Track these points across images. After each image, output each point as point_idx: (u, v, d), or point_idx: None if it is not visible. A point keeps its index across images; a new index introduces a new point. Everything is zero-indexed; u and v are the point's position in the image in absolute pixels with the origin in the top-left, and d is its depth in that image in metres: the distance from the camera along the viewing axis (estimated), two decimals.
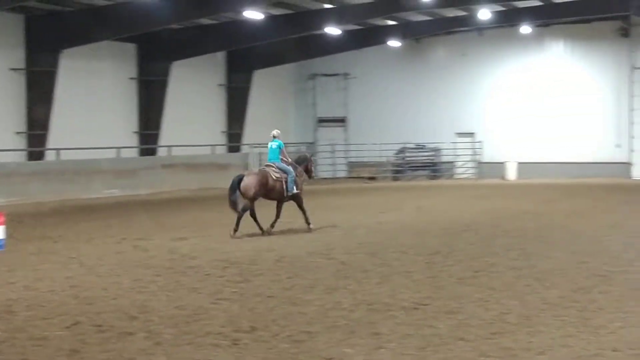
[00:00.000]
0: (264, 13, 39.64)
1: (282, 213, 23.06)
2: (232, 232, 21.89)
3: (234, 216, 22.03)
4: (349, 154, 52.82)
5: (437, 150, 51.19)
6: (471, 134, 50.90)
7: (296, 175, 23.00)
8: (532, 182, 44.36)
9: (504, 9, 44.97)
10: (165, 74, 42.95)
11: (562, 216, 26.59)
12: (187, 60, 44.00)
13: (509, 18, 46.24)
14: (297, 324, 11.63)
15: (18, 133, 36.80)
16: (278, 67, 51.69)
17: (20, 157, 37.08)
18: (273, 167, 22.85)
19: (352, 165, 52.72)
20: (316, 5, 41.62)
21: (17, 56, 36.69)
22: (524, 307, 12.49)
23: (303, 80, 54.94)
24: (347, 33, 47.11)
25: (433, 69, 51.85)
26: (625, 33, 47.84)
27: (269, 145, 23.32)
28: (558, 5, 44.50)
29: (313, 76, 54.59)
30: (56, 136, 37.24)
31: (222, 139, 48.67)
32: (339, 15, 42.00)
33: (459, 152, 50.86)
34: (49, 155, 37.43)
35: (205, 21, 42.22)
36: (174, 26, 41.21)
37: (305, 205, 23.24)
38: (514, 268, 16.09)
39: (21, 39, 36.74)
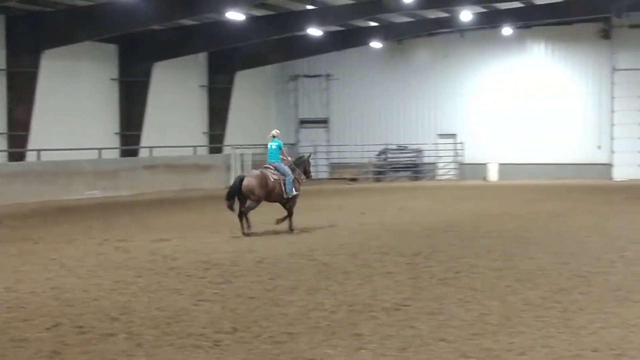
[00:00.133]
0: (245, 14, 39.65)
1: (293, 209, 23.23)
2: (246, 231, 22.14)
3: (215, 217, 21.98)
4: (331, 155, 52.88)
5: (419, 151, 51.31)
6: (453, 135, 51.02)
7: (295, 178, 23.10)
8: (514, 183, 44.47)
9: (485, 10, 45.11)
10: (146, 74, 42.89)
11: (543, 217, 26.66)
12: (169, 61, 43.95)
13: (490, 20, 46.39)
14: (278, 325, 11.61)
15: None
16: (260, 68, 51.76)
17: (0, 158, 36.95)
18: (271, 168, 22.89)
19: (334, 167, 52.80)
20: (298, 7, 41.63)
21: None
22: (505, 308, 12.51)
23: (285, 82, 54.97)
24: (329, 34, 47.16)
25: (415, 71, 51.95)
26: (606, 35, 48.04)
27: (269, 146, 23.38)
28: (539, 7, 44.64)
29: (295, 77, 54.64)
30: (37, 137, 37.14)
31: (203, 140, 48.64)
32: (321, 16, 42.03)
33: (441, 153, 51.01)
34: (30, 156, 37.32)
35: (187, 22, 42.18)
36: (156, 27, 41.14)
37: (294, 209, 23.25)
38: (495, 269, 16.11)
39: (2, 40, 36.66)
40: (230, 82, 49.17)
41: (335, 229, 23.54)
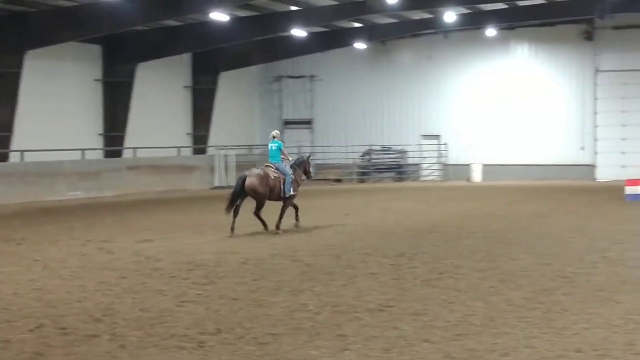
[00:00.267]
0: (229, 15, 39.59)
1: (297, 205, 23.79)
2: (275, 229, 22.75)
3: (199, 218, 21.96)
4: (315, 156, 52.83)
5: (402, 152, 51.34)
6: (437, 136, 51.07)
7: (294, 178, 23.49)
8: (497, 184, 44.56)
9: (469, 11, 45.16)
10: (130, 75, 42.80)
11: (527, 218, 26.72)
12: (153, 62, 43.85)
13: (474, 21, 46.44)
14: (262, 326, 11.61)
15: None
16: (244, 69, 51.71)
17: None
18: (272, 167, 23.31)
19: (318, 167, 52.69)
20: (282, 7, 41.59)
21: None
22: (488, 309, 12.54)
23: (269, 82, 54.94)
24: (313, 35, 47.14)
25: (399, 71, 51.98)
26: (589, 36, 48.15)
27: (269, 147, 23.85)
28: (523, 8, 44.69)
29: (279, 78, 54.62)
30: (20, 138, 36.99)
31: (187, 141, 48.55)
32: (304, 17, 41.97)
33: (425, 154, 51.06)
34: (13, 157, 37.16)
35: (171, 23, 42.08)
36: (140, 28, 41.04)
37: (287, 210, 23.47)
38: (478, 270, 16.15)
39: None
40: (215, 82, 49.11)
41: (319, 230, 23.55)
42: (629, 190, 33.18)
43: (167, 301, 13.46)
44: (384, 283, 14.85)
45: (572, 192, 38.45)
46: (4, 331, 11.49)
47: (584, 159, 48.13)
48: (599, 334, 10.97)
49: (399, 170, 51.57)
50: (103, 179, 39.82)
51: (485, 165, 48.61)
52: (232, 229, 22.30)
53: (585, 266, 16.44)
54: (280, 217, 23.21)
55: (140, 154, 43.01)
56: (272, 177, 22.96)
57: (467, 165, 48.89)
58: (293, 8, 41.72)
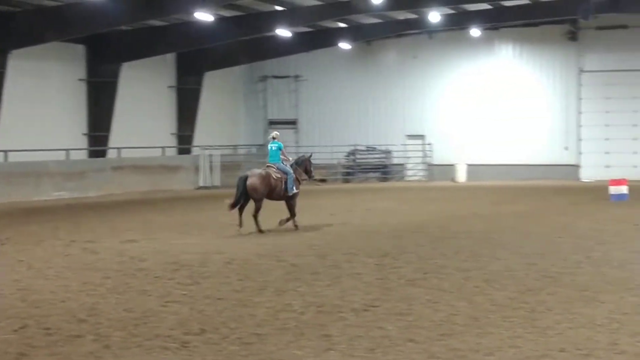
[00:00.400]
0: (214, 15, 39.54)
1: (295, 209, 24.00)
2: (258, 231, 22.78)
3: (183, 218, 21.93)
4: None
5: (387, 152, 51.36)
6: (421, 136, 51.11)
7: (295, 177, 23.87)
8: (482, 184, 44.64)
9: (453, 12, 45.20)
10: (114, 75, 42.68)
11: (511, 218, 26.79)
12: (137, 62, 43.75)
13: (458, 21, 46.47)
14: (246, 326, 11.61)
15: None
16: (228, 69, 51.64)
17: None
18: (273, 167, 23.60)
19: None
20: (267, 7, 41.54)
21: None
22: (473, 309, 12.56)
23: (254, 82, 54.86)
24: (297, 35, 47.12)
25: (384, 72, 52.02)
26: (573, 37, 48.30)
27: (269, 147, 24.25)
28: (507, 8, 44.74)
29: (264, 78, 54.56)
30: (4, 138, 36.82)
31: (172, 141, 48.46)
32: (289, 17, 41.94)
33: (410, 154, 51.11)
34: None
35: (155, 22, 41.99)
36: (124, 27, 40.97)
37: (296, 209, 24.00)
38: (463, 270, 16.17)
39: None
40: (199, 82, 49.05)
41: (304, 230, 23.55)
42: (613, 190, 33.28)
43: (151, 301, 13.44)
44: (368, 283, 14.87)
45: (556, 192, 38.57)
46: None
47: (568, 159, 48.28)
48: (583, 333, 11.00)
49: (384, 170, 51.60)
50: (87, 179, 39.71)
51: (469, 165, 48.69)
52: (240, 223, 22.81)
53: (569, 266, 16.49)
54: (293, 215, 23.83)
55: (125, 154, 42.92)
56: (275, 177, 23.33)
57: (452, 165, 48.95)
58: (278, 8, 41.69)
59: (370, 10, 41.18)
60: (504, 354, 10.11)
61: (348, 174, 51.38)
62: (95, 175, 40.36)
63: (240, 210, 22.92)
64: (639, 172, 45.07)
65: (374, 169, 51.70)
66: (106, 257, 18.54)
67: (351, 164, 51.79)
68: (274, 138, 24.17)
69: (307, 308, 12.72)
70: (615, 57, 47.34)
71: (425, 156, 50.95)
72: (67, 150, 39.79)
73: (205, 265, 17.08)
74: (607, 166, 46.15)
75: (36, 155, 37.86)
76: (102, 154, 42.93)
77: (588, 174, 47.29)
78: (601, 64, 47.66)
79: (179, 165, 46.23)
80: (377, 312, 12.39)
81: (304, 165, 24.72)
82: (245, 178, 23.03)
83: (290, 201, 23.81)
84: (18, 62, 37.40)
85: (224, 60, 49.08)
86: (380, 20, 46.89)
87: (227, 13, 41.71)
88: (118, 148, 42.80)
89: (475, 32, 48.46)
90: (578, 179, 47.48)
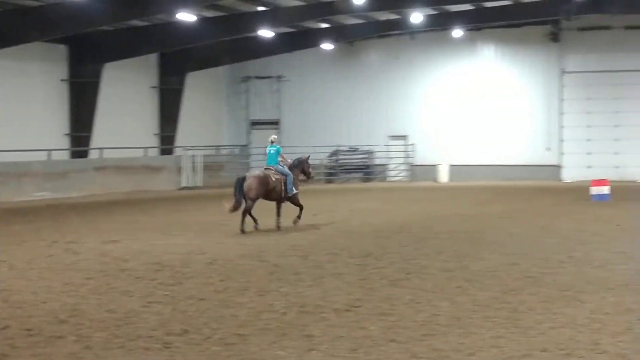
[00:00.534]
0: (196, 15, 39.50)
1: (282, 211, 24.22)
2: (239, 231, 22.82)
3: (166, 219, 21.91)
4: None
5: (370, 152, 51.42)
6: (404, 137, 51.18)
7: (294, 177, 24.31)
8: (464, 185, 44.73)
9: (435, 12, 45.28)
10: (97, 75, 42.56)
11: (493, 218, 26.84)
12: (120, 62, 43.65)
13: (440, 22, 46.56)
14: (229, 326, 11.60)
15: None
16: (211, 70, 51.63)
17: None
18: (272, 169, 23.97)
19: None
20: (249, 8, 41.53)
21: None
22: (455, 309, 12.58)
23: (236, 83, 54.82)
24: (280, 36, 47.10)
25: (366, 72, 52.08)
26: (555, 37, 48.48)
27: (267, 150, 24.54)
28: (489, 9, 44.86)
29: (246, 79, 54.53)
30: None
31: (154, 142, 48.37)
32: (272, 17, 41.93)
33: (392, 154, 51.16)
34: None
35: (137, 23, 41.90)
36: (106, 28, 40.87)
37: (301, 202, 24.59)
38: (445, 270, 16.20)
39: None
40: (181, 83, 48.98)
41: (287, 230, 23.55)
42: (595, 190, 33.44)
43: (133, 302, 13.41)
44: (351, 283, 14.87)
45: (538, 193, 38.68)
46: None
47: (550, 159, 48.45)
48: (565, 333, 11.03)
49: (367, 170, 51.67)
50: (70, 180, 39.59)
51: (452, 165, 48.81)
52: (255, 220, 23.44)
53: (551, 266, 16.54)
54: (300, 212, 24.50)
55: (107, 154, 42.81)
56: (274, 178, 23.71)
57: (434, 165, 49.04)
58: (260, 8, 41.68)
59: (352, 10, 41.23)
60: (486, 353, 10.13)
61: (331, 174, 51.39)
62: (78, 175, 40.25)
63: (250, 214, 23.31)
64: (620, 172, 45.32)
65: (357, 169, 51.75)
66: (88, 257, 18.48)
67: (334, 164, 51.80)
68: (272, 142, 24.51)
69: (290, 308, 12.72)
70: (597, 58, 47.54)
71: (407, 157, 51.01)
72: (49, 150, 39.65)
73: (188, 266, 17.05)
74: (589, 167, 46.31)
75: (18, 155, 37.72)
76: (84, 154, 42.82)
77: (570, 175, 47.45)
78: (583, 64, 47.86)
79: (161, 165, 46.15)
80: (359, 313, 12.40)
81: (301, 166, 25.04)
82: (243, 179, 23.38)
83: (293, 201, 24.39)
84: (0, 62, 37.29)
85: (206, 60, 49.08)
86: (362, 21, 46.94)
87: (210, 13, 41.68)
88: (100, 148, 42.68)
89: (457, 32, 48.56)
90: (560, 179, 47.64)
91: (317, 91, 52.72)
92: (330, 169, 51.74)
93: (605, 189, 33.37)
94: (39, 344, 10.76)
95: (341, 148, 51.42)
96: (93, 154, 43.04)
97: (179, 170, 46.33)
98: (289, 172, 24.17)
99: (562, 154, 48.27)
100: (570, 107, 48.08)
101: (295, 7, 41.59)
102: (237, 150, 53.79)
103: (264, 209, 24.16)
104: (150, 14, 39.05)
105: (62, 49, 42.18)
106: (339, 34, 48.65)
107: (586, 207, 30.70)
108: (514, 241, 20.74)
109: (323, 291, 14.10)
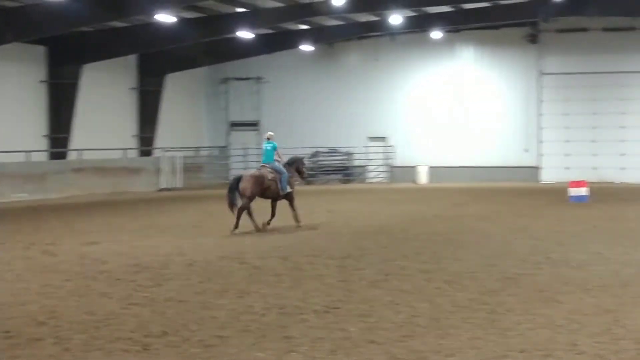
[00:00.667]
0: (176, 16, 39.41)
1: (276, 210, 24.44)
2: (232, 230, 23.00)
3: (145, 220, 21.88)
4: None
5: (349, 154, 51.45)
6: (383, 138, 51.22)
7: (289, 176, 24.49)
8: (443, 186, 44.81)
9: (415, 14, 45.35)
10: (75, 77, 42.43)
11: (472, 219, 26.91)
12: (99, 63, 43.51)
13: (420, 23, 46.62)
14: (208, 328, 11.60)
15: None
16: (190, 71, 51.53)
17: None
18: (268, 167, 24.20)
19: None
20: (229, 9, 41.48)
21: None
22: (434, 310, 12.62)
23: (215, 84, 54.72)
24: (259, 37, 47.04)
25: (346, 74, 52.12)
26: (533, 39, 48.66)
27: (264, 147, 24.87)
28: (468, 11, 44.93)
29: (225, 80, 54.44)
30: None
31: (133, 143, 48.23)
32: (251, 19, 41.89)
33: (371, 156, 51.17)
34: None
35: (117, 24, 41.76)
36: (85, 29, 40.74)
37: (296, 203, 24.76)
38: (424, 271, 16.24)
39: None
40: (161, 84, 48.88)
41: (266, 232, 23.55)
42: (572, 191, 33.60)
43: (112, 304, 13.39)
44: (330, 285, 14.89)
45: (516, 194, 38.77)
46: None
47: (528, 160, 48.62)
48: (543, 334, 11.09)
49: (346, 172, 51.72)
50: (48, 181, 39.47)
51: (431, 167, 48.88)
52: (254, 221, 23.59)
53: (529, 267, 16.61)
54: (295, 214, 24.66)
55: (86, 155, 42.68)
56: (269, 177, 23.92)
57: (414, 167, 49.11)
58: (239, 10, 41.63)
59: (331, 12, 41.22)
60: (464, 355, 10.17)
61: (310, 175, 51.29)
62: (56, 177, 40.12)
63: (249, 213, 23.52)
64: (598, 173, 45.54)
65: (336, 170, 51.78)
66: (67, 259, 18.44)
67: (313, 165, 51.76)
68: (268, 138, 24.82)
69: (269, 310, 12.73)
70: (575, 60, 47.77)
71: (387, 158, 51.06)
72: (27, 152, 39.50)
73: (167, 268, 17.04)
74: (567, 168, 46.49)
75: None
76: (62, 155, 42.66)
77: (548, 176, 47.64)
78: (561, 66, 48.06)
79: (140, 167, 46.05)
80: (338, 314, 12.42)
81: (295, 165, 25.35)
82: (239, 178, 23.63)
83: (289, 200, 24.57)
84: None
85: (185, 62, 48.99)
86: (342, 22, 46.94)
87: (189, 15, 41.60)
88: (79, 150, 42.54)
89: (436, 34, 48.65)
90: (538, 180, 47.81)
91: (296, 92, 52.70)
92: (310, 170, 51.65)
93: (583, 190, 33.53)
94: (17, 346, 10.73)
95: (321, 149, 51.40)
96: (72, 156, 42.90)
97: (158, 171, 46.26)
98: (284, 170, 24.33)
99: (540, 155, 48.45)
100: (549, 108, 48.27)
101: (275, 9, 41.55)
102: (216, 152, 53.71)
103: (257, 207, 24.19)
104: (130, 15, 38.94)
105: (40, 50, 42.02)
106: (318, 35, 48.63)
107: (564, 208, 30.83)
108: (492, 242, 20.81)
109: (303, 293, 14.11)
